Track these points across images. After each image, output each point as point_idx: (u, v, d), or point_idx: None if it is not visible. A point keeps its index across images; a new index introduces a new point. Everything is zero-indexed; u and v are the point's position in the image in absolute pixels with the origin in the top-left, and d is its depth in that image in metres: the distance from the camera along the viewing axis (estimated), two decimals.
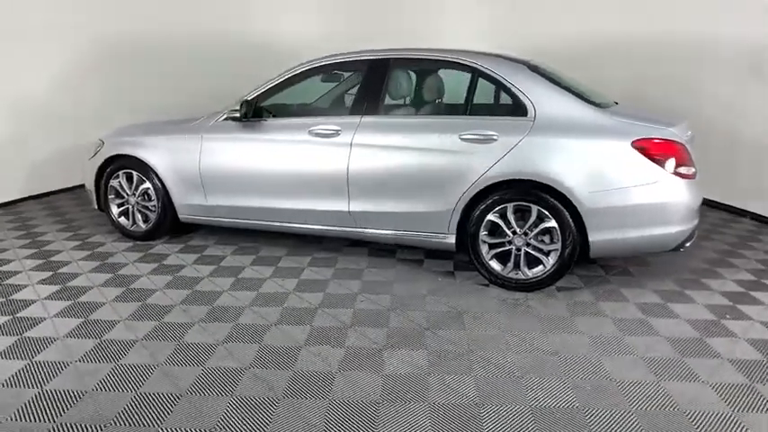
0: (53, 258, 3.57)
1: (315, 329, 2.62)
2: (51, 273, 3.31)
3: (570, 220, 2.87)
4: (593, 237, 2.85)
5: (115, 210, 3.96)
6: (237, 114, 3.39)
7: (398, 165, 3.14)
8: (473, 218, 3.05)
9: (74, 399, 2.05)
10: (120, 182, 3.87)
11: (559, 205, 2.87)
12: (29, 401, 2.03)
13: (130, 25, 5.69)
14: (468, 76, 3.18)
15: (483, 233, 3.06)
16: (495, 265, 3.09)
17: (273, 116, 3.49)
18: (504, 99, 3.06)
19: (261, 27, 6.52)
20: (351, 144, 3.22)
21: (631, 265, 3.42)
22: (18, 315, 2.75)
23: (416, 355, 2.39)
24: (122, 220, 3.97)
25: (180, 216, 3.81)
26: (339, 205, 3.32)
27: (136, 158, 3.75)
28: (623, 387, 2.15)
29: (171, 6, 5.97)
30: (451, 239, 3.17)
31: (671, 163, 2.75)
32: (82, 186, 4.57)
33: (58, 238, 4.01)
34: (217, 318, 2.74)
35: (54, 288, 3.08)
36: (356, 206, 3.28)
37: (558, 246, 2.92)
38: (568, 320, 2.73)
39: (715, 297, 2.99)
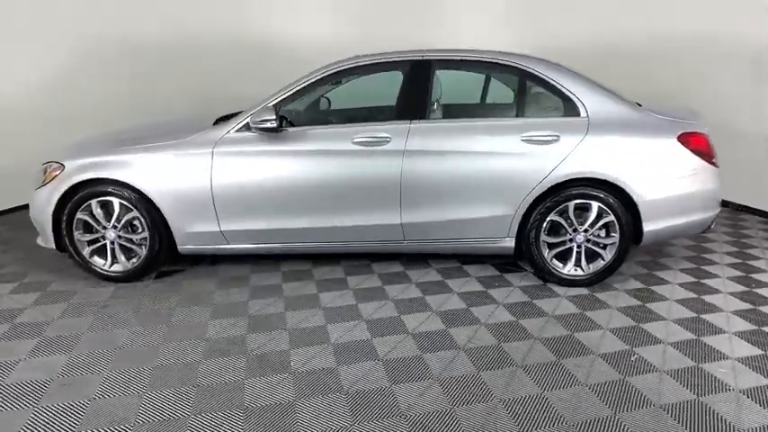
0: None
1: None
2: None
3: (627, 214, 3.01)
4: (648, 227, 3.04)
5: (85, 248, 3.17)
6: (268, 125, 2.90)
7: (456, 170, 3.00)
8: (534, 219, 3.04)
9: None
10: (91, 213, 3.10)
11: (617, 201, 2.99)
12: None
13: (115, 26, 5.27)
14: (515, 77, 3.15)
15: (544, 233, 3.07)
16: (557, 263, 3.12)
17: (299, 124, 3.09)
18: (553, 100, 3.09)
19: (258, 27, 5.97)
20: (403, 151, 2.98)
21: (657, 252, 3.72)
22: None
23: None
24: (96, 259, 3.19)
25: (180, 248, 3.18)
26: (389, 218, 3.07)
27: (118, 182, 3.03)
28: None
29: (162, 6, 5.47)
30: (510, 243, 3.13)
31: (707, 154, 3.04)
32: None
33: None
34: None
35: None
36: (409, 218, 3.07)
37: (617, 239, 3.05)
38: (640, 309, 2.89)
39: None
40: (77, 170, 3.05)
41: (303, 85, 3.08)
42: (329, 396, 2.13)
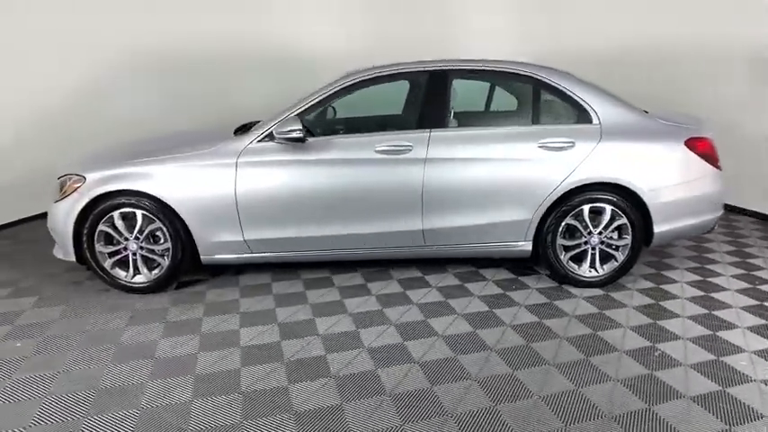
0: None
1: None
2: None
3: (639, 216, 3.15)
4: (658, 228, 3.18)
5: (107, 260, 3.16)
6: (295, 134, 2.95)
7: (476, 177, 3.09)
8: (551, 222, 3.15)
9: None
10: (113, 225, 3.10)
11: (630, 204, 3.13)
12: None
13: (144, 40, 5.47)
14: (528, 86, 3.27)
15: (560, 236, 3.19)
16: (573, 265, 3.24)
17: (315, 133, 3.15)
18: (566, 108, 3.21)
19: (278, 40, 6.20)
20: (425, 159, 3.07)
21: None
22: None
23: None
24: (118, 271, 3.19)
25: (203, 257, 3.20)
26: (411, 224, 3.15)
27: (141, 193, 3.05)
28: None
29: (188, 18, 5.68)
30: (528, 246, 3.23)
31: (713, 158, 3.19)
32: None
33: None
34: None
35: None
36: (430, 223, 3.15)
37: (629, 240, 3.18)
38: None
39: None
40: (99, 182, 3.05)
41: (325, 96, 3.15)
42: (374, 398, 2.18)
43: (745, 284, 3.31)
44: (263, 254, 3.21)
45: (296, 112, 3.10)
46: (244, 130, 3.50)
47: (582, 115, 3.18)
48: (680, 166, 3.15)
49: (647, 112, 3.41)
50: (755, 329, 2.75)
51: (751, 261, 3.70)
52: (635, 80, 5.20)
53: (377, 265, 3.62)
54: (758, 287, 3.27)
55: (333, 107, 4.05)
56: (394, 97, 4.05)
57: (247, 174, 3.05)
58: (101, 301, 3.13)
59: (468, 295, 3.18)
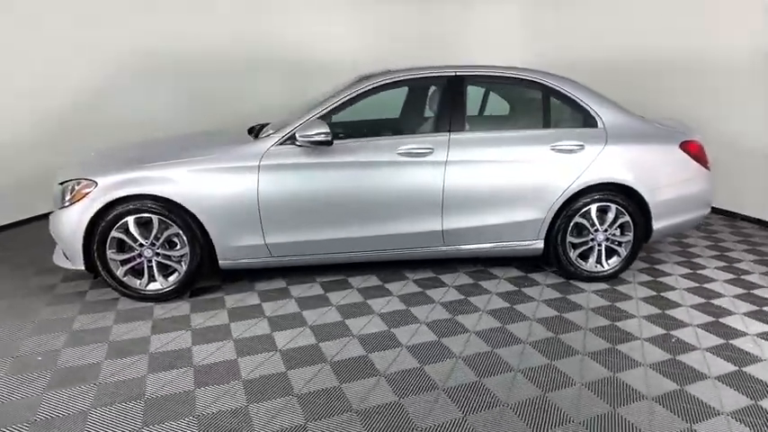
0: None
1: None
2: None
3: (640, 214, 3.37)
4: (657, 225, 3.42)
5: (119, 268, 3.05)
6: (322, 138, 2.96)
7: (493, 178, 3.22)
8: (561, 221, 3.33)
9: None
10: (127, 231, 2.99)
11: (632, 203, 3.35)
12: None
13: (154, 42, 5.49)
14: (538, 92, 3.43)
15: (570, 234, 3.36)
16: (581, 261, 3.42)
17: (346, 136, 3.18)
18: (573, 112, 3.40)
19: (289, 44, 6.24)
20: (445, 162, 3.16)
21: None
22: None
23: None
24: (130, 279, 3.08)
25: (221, 262, 3.14)
26: (431, 225, 3.23)
27: (158, 198, 2.96)
28: None
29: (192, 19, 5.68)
30: (540, 245, 3.39)
31: (703, 159, 3.48)
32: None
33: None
34: None
35: None
36: (450, 224, 3.24)
37: (631, 237, 3.40)
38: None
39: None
40: (113, 186, 2.94)
41: (346, 99, 3.18)
42: (430, 393, 2.24)
43: (730, 275, 3.61)
44: (283, 257, 3.19)
45: (318, 115, 3.11)
46: (255, 131, 3.50)
47: (587, 120, 3.38)
48: (676, 167, 3.41)
49: (642, 118, 3.66)
50: (751, 315, 3.01)
51: (729, 254, 4.04)
52: (627, 90, 5.49)
53: (390, 267, 3.67)
54: (742, 278, 3.58)
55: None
56: (388, 102, 4.13)
57: (270, 177, 3.03)
58: (116, 310, 3.01)
59: (486, 293, 3.29)
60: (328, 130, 2.96)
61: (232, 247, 3.10)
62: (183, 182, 2.98)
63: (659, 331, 2.82)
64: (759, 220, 4.87)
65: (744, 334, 2.79)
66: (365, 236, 3.19)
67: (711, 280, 3.53)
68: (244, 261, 3.17)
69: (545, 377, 2.37)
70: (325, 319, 2.92)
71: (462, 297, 3.23)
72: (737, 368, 2.46)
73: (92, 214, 2.94)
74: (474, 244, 3.34)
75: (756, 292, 3.33)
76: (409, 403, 2.17)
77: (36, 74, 4.72)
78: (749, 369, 2.45)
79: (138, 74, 5.45)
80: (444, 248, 3.33)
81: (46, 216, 4.82)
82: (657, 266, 3.77)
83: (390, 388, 2.28)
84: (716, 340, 2.72)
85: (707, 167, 3.48)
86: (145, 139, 3.75)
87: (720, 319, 2.96)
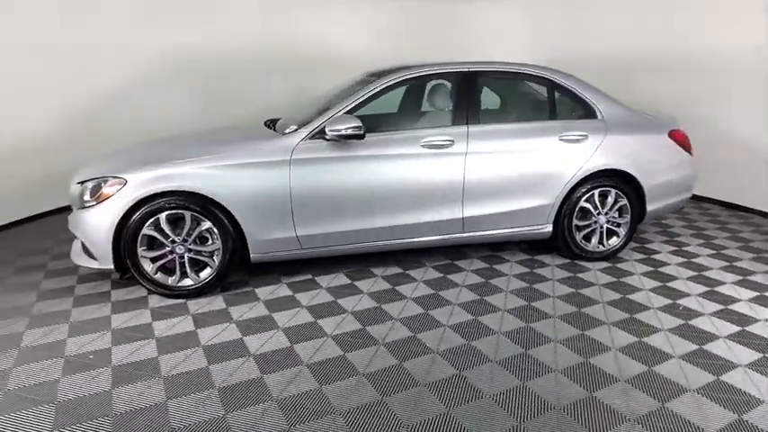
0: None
1: None
2: None
3: (635, 197, 3.69)
4: (650, 207, 3.75)
5: (149, 265, 3.03)
6: (355, 131, 3.06)
7: (508, 168, 3.43)
8: (568, 206, 3.59)
9: None
10: (158, 227, 2.99)
11: (629, 187, 3.66)
12: None
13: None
14: (545, 87, 3.67)
15: (575, 218, 3.64)
16: (585, 242, 3.70)
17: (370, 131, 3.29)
18: (575, 105, 3.67)
19: (308, 42, 6.37)
20: (465, 153, 3.34)
21: None
22: None
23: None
24: (161, 276, 3.07)
25: (253, 256, 3.19)
26: (452, 213, 3.40)
27: (192, 194, 2.97)
28: None
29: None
30: (549, 228, 3.64)
31: (688, 147, 3.84)
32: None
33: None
34: None
35: None
36: (469, 212, 3.43)
37: (629, 218, 3.72)
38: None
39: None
40: (145, 183, 2.92)
41: (371, 94, 3.30)
42: (483, 365, 2.41)
43: (710, 250, 4.01)
44: (312, 249, 3.27)
45: (345, 110, 3.21)
46: (271, 124, 3.61)
47: (588, 112, 3.66)
48: (666, 154, 3.75)
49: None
50: (739, 283, 3.39)
51: (705, 233, 4.46)
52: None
53: (406, 256, 3.82)
54: (722, 252, 3.98)
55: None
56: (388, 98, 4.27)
57: (301, 170, 3.11)
58: (150, 308, 2.99)
59: (503, 275, 3.51)
60: (360, 124, 3.07)
61: (264, 240, 3.15)
62: (216, 178, 3.00)
63: (666, 301, 3.12)
64: (722, 201, 5.37)
65: (738, 300, 3.14)
66: (391, 225, 3.32)
67: (695, 255, 3.90)
68: (274, 254, 3.22)
69: (584, 345, 2.60)
70: (362, 305, 3.04)
71: (483, 280, 3.42)
72: (741, 328, 2.79)
73: (123, 212, 2.92)
74: (490, 230, 3.54)
75: (738, 264, 3.73)
76: (471, 375, 2.33)
77: (64, 74, 4.87)
78: (751, 328, 2.78)
79: (155, 74, 5.55)
80: (463, 235, 3.52)
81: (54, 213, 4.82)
82: (646, 245, 4.12)
83: (448, 363, 2.43)
84: (716, 306, 3.05)
85: (691, 153, 3.85)
86: (161, 137, 3.73)
87: (716, 289, 3.31)
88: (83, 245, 3.13)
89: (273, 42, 6.14)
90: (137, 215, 2.94)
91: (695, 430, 1.99)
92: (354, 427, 1.99)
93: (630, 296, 3.19)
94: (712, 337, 2.69)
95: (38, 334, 2.69)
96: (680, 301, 3.12)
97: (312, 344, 2.60)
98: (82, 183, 3.10)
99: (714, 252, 3.97)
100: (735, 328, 2.79)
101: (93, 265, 3.06)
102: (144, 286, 3.07)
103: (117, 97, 5.30)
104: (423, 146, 3.29)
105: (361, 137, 3.11)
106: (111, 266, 3.01)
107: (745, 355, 2.53)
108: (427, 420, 2.03)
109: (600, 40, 6.27)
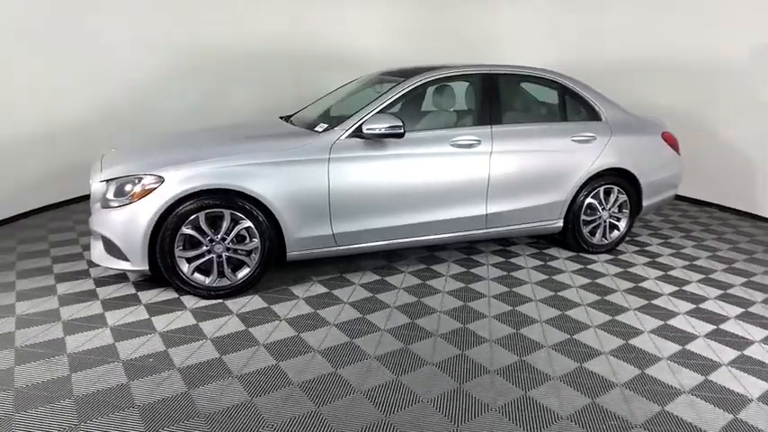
0: None
1: None
2: None
3: (634, 193, 4.01)
4: (646, 202, 4.09)
5: (186, 265, 2.97)
6: (397, 130, 3.13)
7: (528, 166, 3.63)
8: (577, 202, 3.84)
9: None
10: (196, 226, 2.93)
11: (628, 184, 3.97)
12: None
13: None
14: (555, 90, 3.90)
15: (583, 213, 3.90)
16: (590, 236, 3.97)
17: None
18: (582, 108, 3.93)
19: (317, 42, 6.48)
20: (490, 152, 3.50)
21: None
22: None
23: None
24: (197, 276, 3.01)
25: (289, 253, 3.18)
26: (477, 210, 3.55)
27: (232, 191, 2.93)
28: None
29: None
30: (560, 223, 3.88)
31: (677, 147, 4.21)
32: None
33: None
34: None
35: None
36: (492, 208, 3.59)
37: (628, 213, 4.03)
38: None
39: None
40: (184, 181, 2.86)
41: (400, 94, 3.39)
42: (542, 350, 2.57)
43: (692, 242, 4.42)
44: (346, 246, 3.31)
45: (378, 109, 3.28)
46: (287, 119, 3.79)
47: (594, 114, 3.93)
48: (659, 154, 4.10)
49: None
50: (729, 270, 3.77)
51: (683, 226, 4.90)
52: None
53: (424, 252, 3.93)
54: (702, 243, 4.40)
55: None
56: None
57: (339, 168, 3.14)
58: (190, 310, 2.92)
59: (521, 268, 3.70)
60: (401, 123, 3.15)
61: (301, 238, 3.15)
62: (258, 175, 2.98)
63: (673, 288, 3.43)
64: (694, 199, 5.87)
65: (733, 285, 3.50)
66: (422, 222, 3.42)
67: (682, 247, 4.29)
68: (309, 251, 3.23)
69: (619, 329, 2.83)
70: (403, 300, 3.12)
71: (505, 273, 3.60)
72: (744, 310, 3.13)
73: (162, 211, 2.84)
74: (508, 225, 3.73)
75: (720, 253, 4.14)
76: (532, 360, 2.49)
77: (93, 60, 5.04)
78: (753, 309, 3.13)
79: (183, 71, 5.76)
80: (485, 231, 3.68)
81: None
82: (637, 239, 4.47)
83: (504, 350, 2.57)
84: (717, 291, 3.39)
85: (678, 153, 4.23)
86: (176, 132, 3.62)
87: (711, 276, 3.66)
88: (106, 246, 3.00)
89: (282, 41, 6.24)
90: (174, 214, 2.87)
91: None
92: (444, 412, 2.08)
93: (642, 284, 3.48)
94: (723, 320, 3.00)
95: (81, 339, 2.57)
96: (685, 288, 3.44)
97: (371, 338, 2.66)
98: (108, 181, 2.98)
99: (695, 244, 4.37)
100: (738, 311, 3.12)
101: (125, 266, 2.95)
102: (178, 287, 2.99)
103: (139, 93, 5.45)
104: (452, 144, 3.42)
105: (401, 135, 3.18)
106: (146, 268, 2.91)
107: (757, 333, 2.85)
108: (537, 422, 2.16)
109: (608, 44, 6.39)
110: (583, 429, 2.01)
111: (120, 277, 3.31)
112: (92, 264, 3.50)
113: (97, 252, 3.07)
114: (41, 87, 4.63)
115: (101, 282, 3.25)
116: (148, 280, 3.26)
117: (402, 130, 3.16)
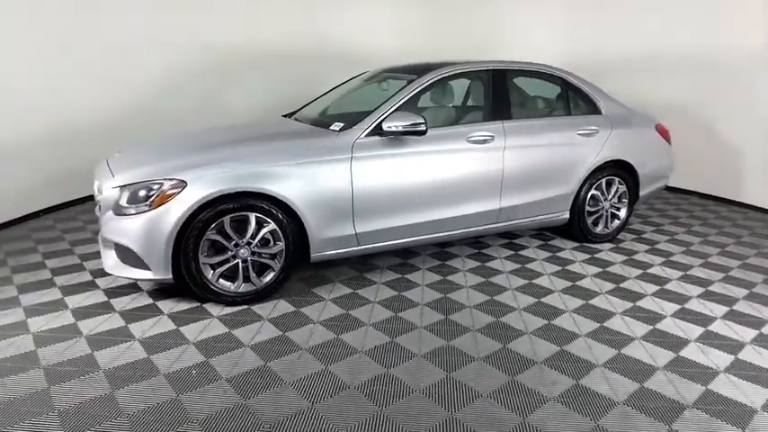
0: None
1: None
2: None
3: (632, 183, 4.17)
4: (642, 192, 4.26)
5: (210, 272, 2.87)
6: (420, 128, 3.11)
7: (538, 160, 3.71)
8: (582, 194, 3.96)
9: None
10: (221, 231, 2.84)
11: (627, 175, 4.13)
12: None
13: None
14: (559, 85, 3.99)
15: (587, 204, 4.02)
16: (593, 226, 4.10)
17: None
18: (583, 102, 4.04)
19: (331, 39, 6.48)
20: (504, 147, 3.55)
21: None
22: None
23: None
24: (222, 282, 2.92)
25: (313, 255, 3.13)
26: (492, 204, 3.60)
27: (257, 194, 2.86)
28: None
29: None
30: (567, 215, 3.99)
31: (668, 138, 4.40)
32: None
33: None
34: None
35: None
36: (506, 202, 3.65)
37: (627, 202, 4.19)
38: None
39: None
40: (209, 185, 2.76)
41: (417, 90, 3.39)
42: (578, 340, 2.64)
43: (682, 229, 4.64)
44: (368, 245, 3.28)
45: (397, 106, 3.26)
46: (290, 116, 3.78)
47: (594, 109, 4.05)
48: (653, 145, 4.27)
49: None
50: (723, 254, 3.99)
51: (669, 213, 5.13)
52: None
53: (433, 248, 3.95)
54: (692, 229, 4.62)
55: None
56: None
57: (361, 167, 3.11)
58: (217, 317, 2.83)
59: (533, 260, 3.78)
60: (423, 120, 3.14)
61: (324, 239, 3.10)
62: (282, 177, 2.91)
63: (678, 273, 3.59)
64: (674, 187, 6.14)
65: (731, 269, 3.70)
66: (440, 218, 3.43)
67: (674, 233, 4.50)
68: (331, 252, 3.18)
69: (641, 314, 2.95)
70: (432, 296, 3.13)
71: (520, 265, 3.67)
72: (749, 291, 3.31)
73: (185, 217, 2.73)
74: (519, 219, 3.80)
75: (710, 238, 4.37)
76: (571, 349, 2.55)
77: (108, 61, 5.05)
78: (758, 289, 3.32)
79: (192, 71, 5.70)
80: (497, 225, 3.73)
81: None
82: (633, 227, 4.65)
83: (544, 341, 2.63)
84: (719, 275, 3.58)
85: (669, 144, 4.42)
86: (183, 132, 3.49)
87: (708, 260, 3.86)
88: (120, 254, 2.87)
89: (283, 41, 6.20)
90: (198, 219, 2.77)
91: None
92: (501, 404, 2.11)
93: (649, 270, 3.63)
94: (729, 301, 3.17)
95: (112, 354, 2.44)
96: (690, 272, 3.61)
97: (412, 336, 2.66)
98: (122, 187, 2.84)
99: (686, 230, 4.59)
100: (743, 293, 3.30)
101: (146, 275, 2.82)
102: (200, 295, 2.89)
103: (139, 93, 5.38)
104: (468, 141, 3.44)
105: (423, 132, 3.18)
106: (170, 276, 2.80)
107: (767, 312, 3.03)
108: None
109: (613, 41, 6.46)
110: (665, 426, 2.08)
111: (132, 287, 3.17)
112: (95, 273, 3.33)
113: (111, 261, 2.92)
114: (41, 88, 4.52)
115: (112, 293, 3.10)
116: (162, 289, 3.13)
117: (424, 128, 3.15)
